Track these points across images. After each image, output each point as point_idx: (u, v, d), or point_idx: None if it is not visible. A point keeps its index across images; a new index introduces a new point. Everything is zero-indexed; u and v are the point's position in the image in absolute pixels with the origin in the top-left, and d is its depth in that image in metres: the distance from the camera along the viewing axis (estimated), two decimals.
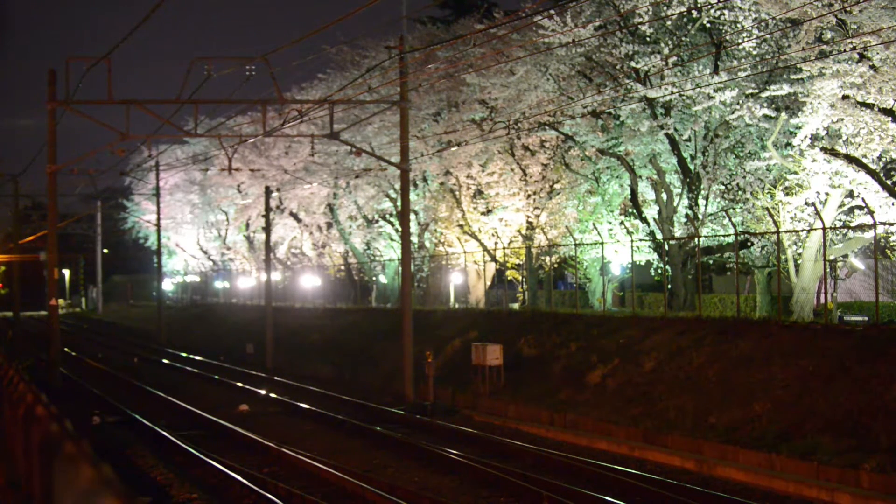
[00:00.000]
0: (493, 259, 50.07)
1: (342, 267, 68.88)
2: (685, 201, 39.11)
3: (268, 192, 55.71)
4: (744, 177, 36.59)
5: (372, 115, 47.47)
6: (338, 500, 21.28)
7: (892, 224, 31.96)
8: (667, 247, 39.38)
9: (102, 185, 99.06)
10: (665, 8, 33.83)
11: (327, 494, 21.59)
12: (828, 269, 35.13)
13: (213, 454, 26.07)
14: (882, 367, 24.48)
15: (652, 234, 40.26)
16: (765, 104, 34.21)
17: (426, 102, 49.78)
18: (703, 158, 38.14)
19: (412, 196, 52.42)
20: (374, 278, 64.80)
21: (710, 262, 45.16)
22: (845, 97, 30.07)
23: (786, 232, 33.87)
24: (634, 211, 41.35)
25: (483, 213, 50.15)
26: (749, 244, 37.16)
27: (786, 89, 32.30)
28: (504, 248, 49.96)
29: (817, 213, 31.92)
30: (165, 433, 29.47)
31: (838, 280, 38.42)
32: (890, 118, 29.87)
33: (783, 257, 34.42)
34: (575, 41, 36.83)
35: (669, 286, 39.54)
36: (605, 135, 41.01)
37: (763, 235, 35.87)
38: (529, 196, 47.28)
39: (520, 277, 55.16)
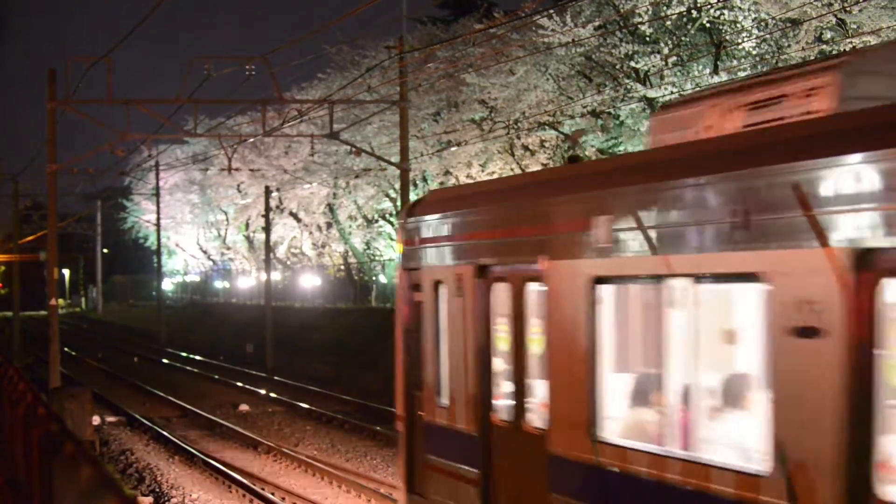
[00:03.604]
0: None
1: (342, 267, 68.91)
2: None
3: (267, 191, 55.71)
4: None
5: (372, 115, 47.45)
6: (338, 500, 21.28)
7: None
8: None
9: (102, 185, 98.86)
10: (665, 8, 33.83)
11: (328, 495, 21.60)
12: None
13: (214, 454, 26.09)
14: None
15: None
16: None
17: (426, 102, 49.77)
18: None
19: (412, 196, 52.45)
20: (374, 278, 64.82)
21: None
22: None
23: None
24: None
25: None
26: None
27: None
28: None
29: None
30: (165, 433, 29.49)
31: None
32: None
33: None
34: (575, 41, 36.83)
35: None
36: (605, 135, 41.02)
37: None
38: None
39: None
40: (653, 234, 9.49)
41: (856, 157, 7.49)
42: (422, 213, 14.01)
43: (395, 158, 41.28)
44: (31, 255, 69.04)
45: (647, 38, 36.67)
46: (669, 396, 9.37)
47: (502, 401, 12.02)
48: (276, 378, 44.63)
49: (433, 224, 13.63)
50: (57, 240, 38.20)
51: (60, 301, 66.33)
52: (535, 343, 11.29)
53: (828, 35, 30.28)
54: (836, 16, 29.18)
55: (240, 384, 42.46)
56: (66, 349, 56.34)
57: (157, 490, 22.54)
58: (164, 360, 56.51)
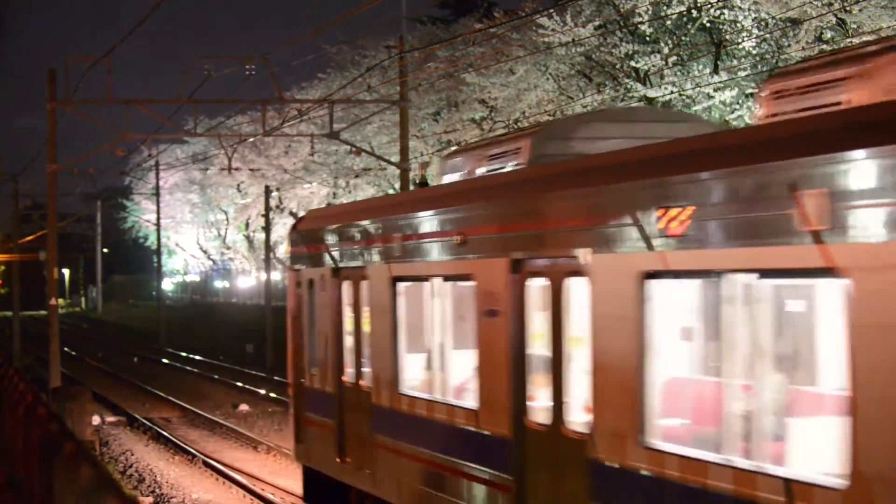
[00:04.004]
0: None
1: None
2: None
3: (267, 191, 55.72)
4: None
5: (372, 115, 47.44)
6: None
7: None
8: None
9: (102, 185, 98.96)
10: (665, 7, 33.83)
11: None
12: None
13: (214, 454, 26.09)
14: None
15: None
16: None
17: (426, 102, 49.75)
18: None
19: None
20: None
21: None
22: None
23: None
24: None
25: None
26: None
27: None
28: None
29: None
30: (165, 433, 29.49)
31: None
32: None
33: None
34: (575, 41, 36.83)
35: None
36: None
37: None
38: None
39: None
40: (420, 246, 13.59)
41: (507, 201, 11.89)
42: (302, 227, 18.15)
43: (395, 158, 41.31)
44: (31, 255, 69.00)
45: (647, 38, 36.66)
46: (434, 359, 13.46)
47: (349, 368, 15.95)
48: (276, 378, 44.61)
49: (308, 236, 17.57)
50: (57, 240, 38.18)
51: (60, 301, 66.26)
52: (366, 324, 15.31)
53: (828, 35, 30.27)
54: (836, 15, 29.18)
55: (240, 384, 42.43)
56: (66, 349, 56.35)
57: (158, 490, 22.54)
58: (164, 360, 56.49)
